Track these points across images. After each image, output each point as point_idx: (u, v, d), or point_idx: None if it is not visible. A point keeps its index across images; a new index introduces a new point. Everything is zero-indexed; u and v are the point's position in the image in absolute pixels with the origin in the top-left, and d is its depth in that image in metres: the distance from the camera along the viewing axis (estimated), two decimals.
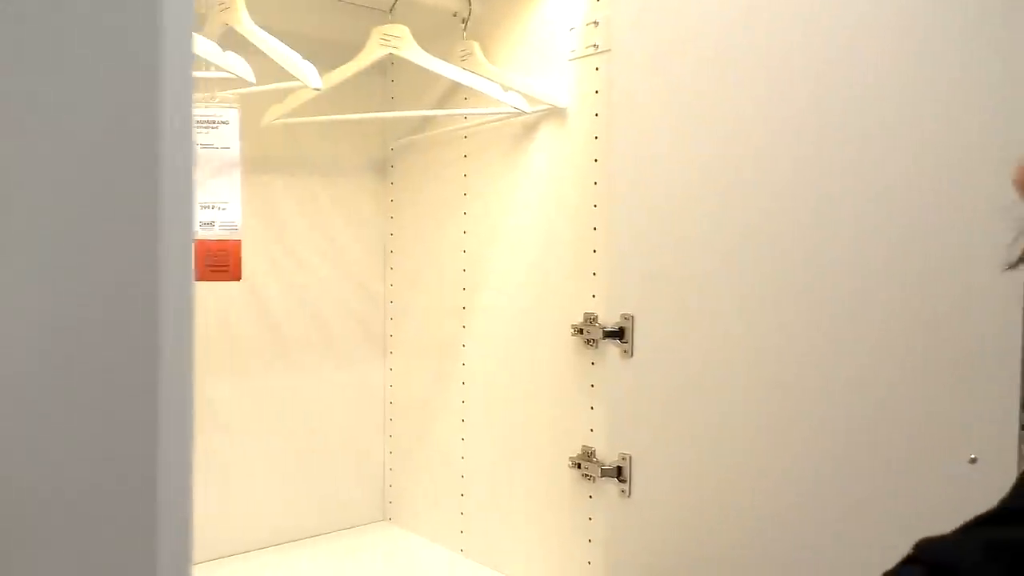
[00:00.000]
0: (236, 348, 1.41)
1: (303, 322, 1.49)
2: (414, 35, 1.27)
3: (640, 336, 1.11)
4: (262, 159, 1.43)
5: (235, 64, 1.01)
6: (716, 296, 1.02)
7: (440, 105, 1.46)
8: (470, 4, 1.36)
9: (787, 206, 0.96)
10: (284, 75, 1.12)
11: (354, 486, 1.57)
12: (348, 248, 1.55)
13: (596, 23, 1.20)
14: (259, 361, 1.43)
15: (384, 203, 1.59)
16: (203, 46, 1.02)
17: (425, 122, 1.51)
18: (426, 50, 1.28)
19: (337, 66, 1.27)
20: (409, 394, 1.56)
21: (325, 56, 1.35)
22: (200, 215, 1.03)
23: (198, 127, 1.03)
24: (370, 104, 1.55)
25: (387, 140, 1.58)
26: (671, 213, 1.09)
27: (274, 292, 1.45)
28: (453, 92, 1.43)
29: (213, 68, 1.01)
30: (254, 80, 1.03)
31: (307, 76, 1.05)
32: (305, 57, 1.12)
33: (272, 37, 1.09)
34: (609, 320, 1.15)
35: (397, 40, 1.28)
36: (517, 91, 1.28)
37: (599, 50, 1.19)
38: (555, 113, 1.26)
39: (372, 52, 1.28)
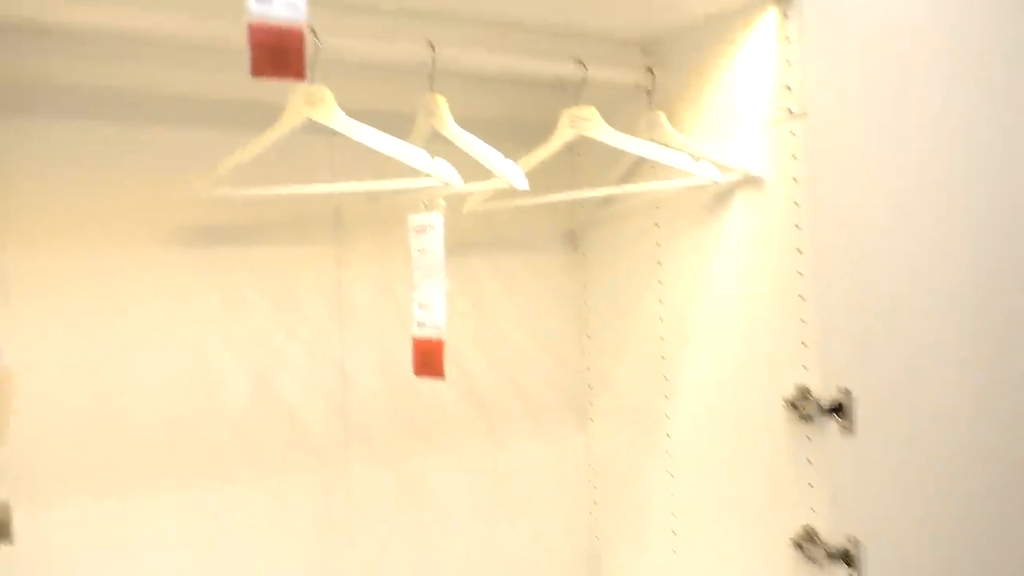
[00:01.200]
0: (446, 423, 1.47)
1: (505, 394, 1.54)
2: (597, 106, 1.30)
3: (861, 411, 1.05)
4: (460, 240, 1.50)
5: (444, 171, 1.07)
6: (941, 367, 0.96)
7: (629, 175, 1.47)
8: (653, 75, 1.37)
9: (1009, 267, 0.88)
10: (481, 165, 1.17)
11: (560, 555, 1.59)
12: (545, 319, 1.59)
13: (788, 87, 1.17)
14: (465, 435, 1.49)
15: (577, 273, 1.62)
16: (413, 154, 1.09)
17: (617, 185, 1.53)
18: (610, 122, 1.30)
19: (523, 143, 1.32)
20: (613, 465, 1.56)
21: (511, 135, 1.42)
22: (416, 314, 1.09)
23: (414, 233, 1.10)
24: (558, 178, 1.59)
25: (577, 212, 1.61)
26: (885, 279, 1.03)
27: (477, 367, 1.51)
28: (642, 161, 1.44)
29: (422, 176, 1.08)
30: (463, 184, 1.09)
31: (512, 178, 1.10)
32: (492, 139, 1.17)
33: (475, 138, 1.15)
34: (825, 393, 1.10)
35: (586, 122, 1.31)
36: (709, 160, 1.27)
37: (794, 115, 1.16)
38: (750, 180, 1.23)
39: (563, 135, 1.32)
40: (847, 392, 1.07)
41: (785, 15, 1.16)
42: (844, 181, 1.09)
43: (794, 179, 1.17)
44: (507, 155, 1.19)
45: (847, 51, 1.09)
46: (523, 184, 1.11)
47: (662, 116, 1.34)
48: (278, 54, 0.83)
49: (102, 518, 1.17)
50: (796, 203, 1.16)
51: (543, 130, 1.36)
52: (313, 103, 1.09)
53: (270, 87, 1.00)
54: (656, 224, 1.43)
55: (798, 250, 1.16)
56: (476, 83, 1.42)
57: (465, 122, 1.21)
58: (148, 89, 1.22)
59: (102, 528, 1.17)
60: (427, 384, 1.45)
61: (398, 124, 1.23)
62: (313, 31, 1.05)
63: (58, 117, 1.16)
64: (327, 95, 1.11)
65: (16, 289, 1.13)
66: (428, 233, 1.11)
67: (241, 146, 1.11)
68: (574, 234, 1.62)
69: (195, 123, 1.25)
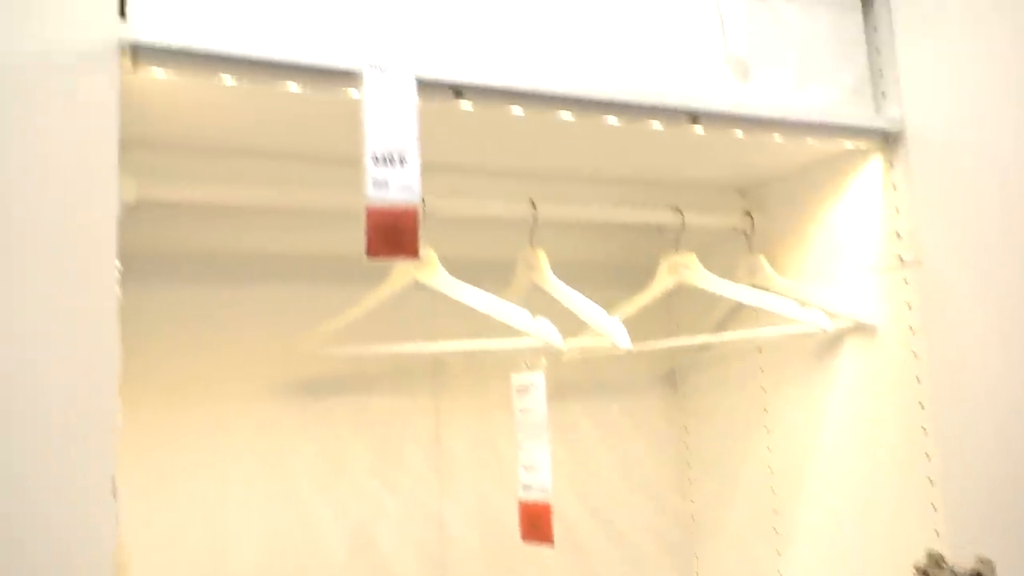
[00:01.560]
0: (544, 573, 1.42)
1: (604, 542, 1.48)
2: (695, 247, 1.29)
3: None
4: (557, 385, 1.48)
5: (546, 331, 1.07)
6: None
7: (729, 318, 1.44)
8: (752, 218, 1.36)
9: None
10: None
11: None
12: (644, 464, 1.54)
13: (898, 235, 1.14)
14: None
15: (677, 416, 1.57)
16: (514, 314, 1.09)
17: (715, 331, 1.49)
18: (708, 263, 1.29)
19: (621, 285, 1.32)
20: None
21: (609, 278, 1.42)
22: (521, 476, 1.07)
23: (516, 393, 1.09)
24: (655, 320, 1.57)
25: (676, 353, 1.58)
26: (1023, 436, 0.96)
27: (575, 514, 1.46)
28: (743, 305, 1.41)
29: (524, 335, 1.08)
30: (564, 347, 1.08)
31: (616, 337, 1.08)
32: (589, 281, 1.17)
33: (576, 293, 1.15)
34: (961, 562, 1.02)
35: (686, 269, 1.30)
36: (816, 307, 1.23)
37: (906, 263, 1.13)
38: (861, 328, 1.19)
39: (663, 282, 1.32)
40: (989, 563, 0.99)
41: (891, 163, 1.14)
42: (967, 331, 1.03)
43: (910, 329, 1.12)
44: (606, 298, 1.18)
45: (960, 197, 1.06)
46: (626, 344, 1.10)
47: (763, 260, 1.32)
48: (393, 235, 0.86)
49: None
50: (915, 354, 1.11)
51: (641, 271, 1.36)
52: (419, 265, 1.12)
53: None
54: (761, 369, 1.39)
55: (920, 404, 1.10)
56: (574, 229, 1.44)
57: (563, 265, 1.22)
58: (255, 250, 1.27)
59: None
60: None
61: (498, 272, 1.25)
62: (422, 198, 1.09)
63: (172, 281, 1.21)
64: (432, 257, 1.13)
65: (125, 449, 1.15)
66: (530, 392, 1.10)
67: (348, 300, 1.14)
68: (673, 375, 1.59)
69: (302, 280, 1.29)
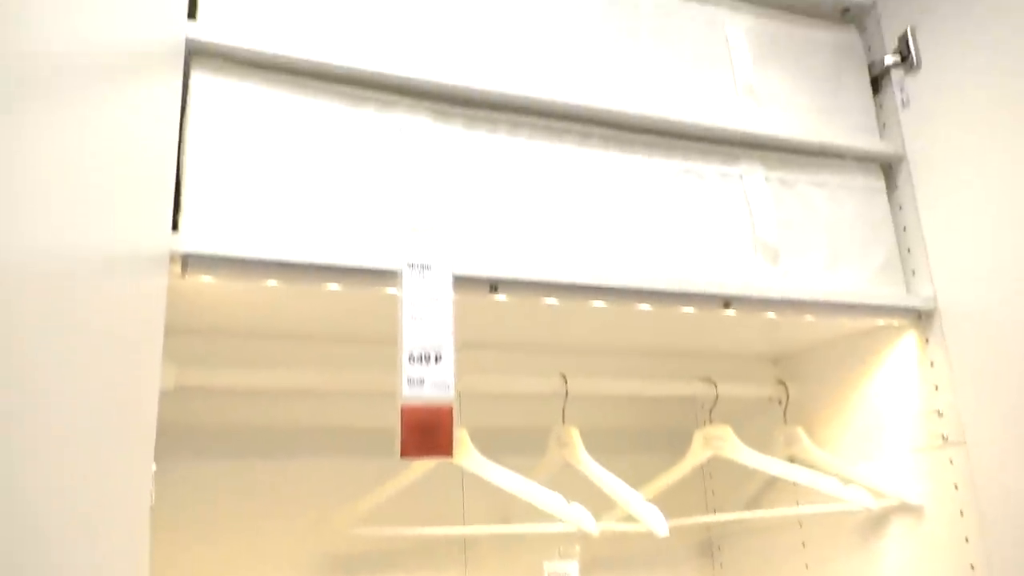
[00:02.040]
0: None
1: None
2: (728, 415, 1.27)
3: None
4: (589, 559, 1.43)
5: (580, 516, 1.04)
6: None
7: (768, 488, 1.40)
8: (787, 389, 1.35)
9: None
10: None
11: None
12: None
13: (939, 412, 1.12)
14: None
15: None
16: (548, 499, 1.06)
17: (752, 502, 1.45)
18: (743, 431, 1.26)
19: (652, 451, 1.29)
20: None
21: (643, 444, 1.40)
22: None
23: None
24: (689, 490, 1.53)
25: (712, 525, 1.53)
26: None
27: None
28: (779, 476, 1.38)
29: (558, 521, 1.05)
30: (597, 532, 1.05)
31: (653, 523, 1.05)
32: (623, 448, 1.15)
33: (612, 476, 1.13)
34: None
35: (720, 441, 1.27)
36: (858, 483, 1.19)
37: (948, 442, 1.10)
38: (907, 509, 1.15)
39: (697, 455, 1.29)
40: None
41: (926, 339, 1.14)
42: (1022, 515, 1.00)
43: (960, 513, 1.08)
44: (639, 464, 1.16)
45: (1000, 373, 1.05)
46: (664, 531, 1.06)
47: (801, 432, 1.29)
48: (427, 434, 0.85)
49: None
50: (966, 539, 1.07)
51: (675, 436, 1.34)
52: None
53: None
54: (803, 543, 1.34)
55: None
56: (607, 397, 1.43)
57: (595, 432, 1.20)
58: (287, 425, 1.27)
59: None
60: None
61: (531, 441, 1.24)
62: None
63: (203, 457, 1.21)
64: (464, 438, 1.12)
65: None
66: None
67: (381, 471, 1.13)
68: (710, 545, 1.53)
69: (334, 453, 1.28)
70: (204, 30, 0.88)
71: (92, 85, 0.52)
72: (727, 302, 1.02)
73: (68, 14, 0.46)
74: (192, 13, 0.89)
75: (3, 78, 0.33)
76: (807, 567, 1.32)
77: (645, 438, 1.47)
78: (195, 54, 0.88)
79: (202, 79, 0.88)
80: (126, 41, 0.64)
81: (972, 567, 1.06)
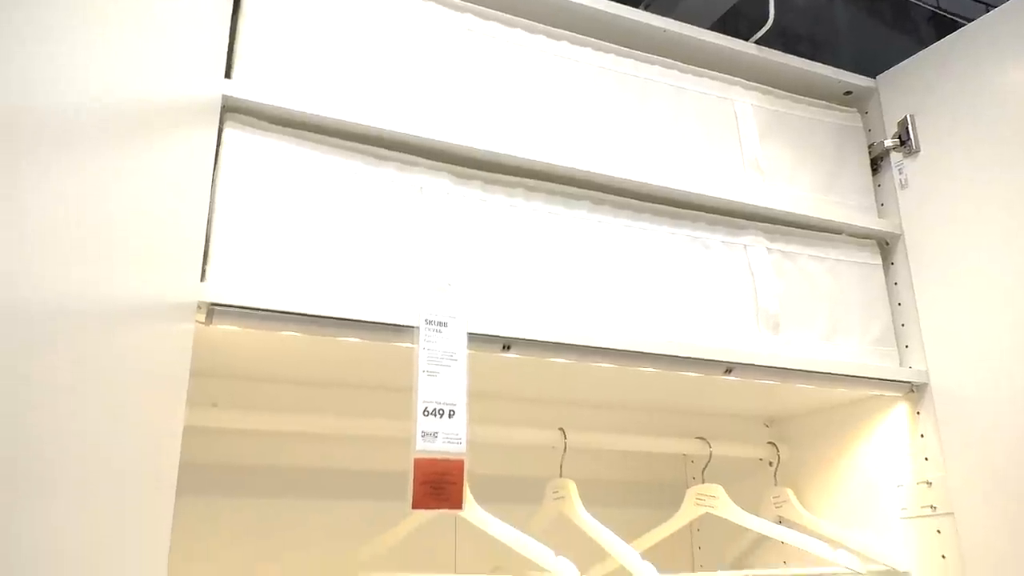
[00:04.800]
0: None
1: None
2: (719, 474, 1.30)
3: None
4: None
5: (566, 571, 1.05)
6: None
7: (755, 547, 1.43)
8: (778, 451, 1.38)
9: None
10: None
11: None
12: None
13: (928, 483, 1.15)
14: None
15: None
16: (536, 550, 1.08)
17: (738, 561, 1.47)
18: (732, 488, 1.28)
19: (644, 504, 1.31)
20: None
21: (636, 497, 1.42)
22: None
23: None
24: (678, 543, 1.55)
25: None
26: None
27: None
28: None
29: (546, 573, 1.07)
30: None
31: None
32: (615, 499, 1.16)
33: (608, 531, 1.15)
34: None
35: (713, 500, 1.30)
36: (847, 548, 1.22)
37: (936, 511, 1.13)
38: (894, 575, 1.18)
39: (688, 513, 1.31)
40: None
41: (917, 412, 1.18)
42: None
43: None
44: (631, 517, 1.18)
45: (989, 448, 1.08)
46: None
47: (790, 493, 1.32)
48: (439, 488, 0.87)
49: None
50: None
51: (667, 490, 1.36)
52: None
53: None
54: None
55: None
56: (604, 452, 1.45)
57: (589, 483, 1.22)
58: (296, 466, 1.28)
59: None
60: None
61: (529, 488, 1.26)
62: None
63: (222, 495, 1.22)
64: (466, 493, 1.14)
65: None
66: None
67: (387, 512, 1.15)
68: None
69: (343, 495, 1.30)
70: (238, 88, 0.91)
71: (134, 135, 0.55)
72: (729, 368, 1.06)
73: (115, 68, 0.49)
74: (228, 72, 0.92)
75: (47, 127, 0.36)
76: None
77: (638, 492, 1.49)
78: (228, 110, 0.91)
79: (234, 135, 0.91)
80: (168, 96, 0.67)
81: None
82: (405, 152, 0.99)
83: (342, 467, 1.30)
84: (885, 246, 1.24)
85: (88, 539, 0.47)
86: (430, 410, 0.89)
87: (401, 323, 0.92)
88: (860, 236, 1.21)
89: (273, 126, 0.93)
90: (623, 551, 1.14)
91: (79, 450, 0.44)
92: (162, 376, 0.72)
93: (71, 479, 0.42)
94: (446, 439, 0.89)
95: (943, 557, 1.12)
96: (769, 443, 1.39)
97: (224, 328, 0.87)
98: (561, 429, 1.24)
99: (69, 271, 0.40)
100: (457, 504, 0.88)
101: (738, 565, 1.47)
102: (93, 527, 0.48)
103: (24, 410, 0.34)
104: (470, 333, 0.93)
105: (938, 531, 1.13)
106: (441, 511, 1.10)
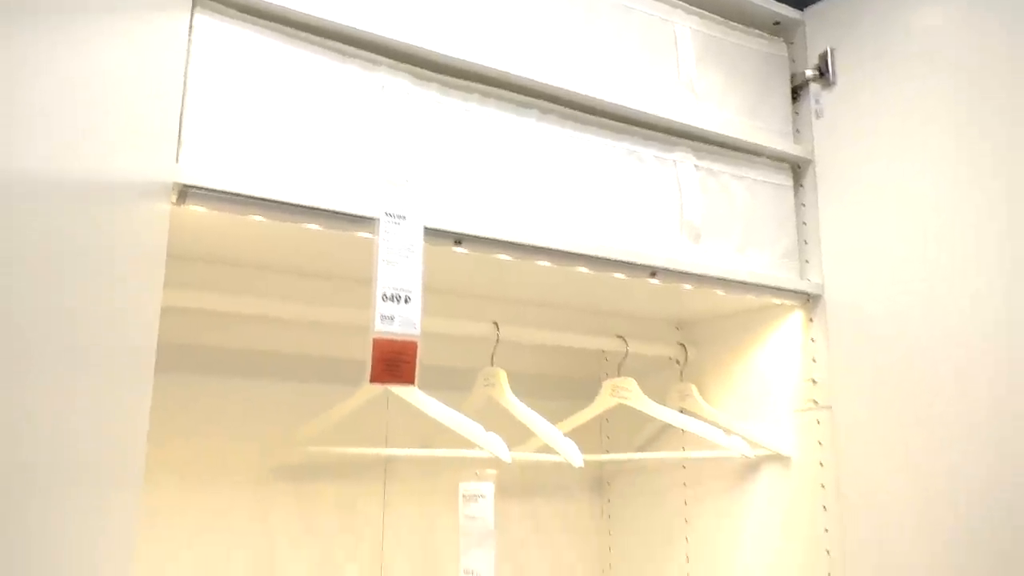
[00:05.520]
0: None
1: None
2: (632, 371, 1.44)
3: None
4: (497, 487, 1.58)
5: (496, 446, 1.17)
6: None
7: (659, 434, 1.59)
8: (686, 351, 1.53)
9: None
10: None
11: None
12: (570, 563, 1.65)
13: (814, 381, 1.32)
14: None
15: (603, 520, 1.70)
16: (468, 426, 1.19)
17: (642, 447, 1.64)
18: (642, 384, 1.43)
19: (565, 397, 1.45)
20: None
21: (556, 389, 1.56)
22: None
23: (464, 501, 1.19)
24: (589, 431, 1.70)
25: (605, 463, 1.71)
26: (909, 559, 1.13)
27: None
28: (671, 424, 1.56)
29: (476, 447, 1.19)
30: (510, 460, 1.18)
31: (570, 455, 1.20)
32: (538, 391, 1.28)
33: (534, 413, 1.28)
34: None
35: (627, 392, 1.44)
36: (740, 436, 1.39)
37: (819, 405, 1.30)
38: (779, 459, 1.35)
39: (604, 402, 1.45)
40: None
41: (810, 319, 1.33)
42: (869, 470, 1.21)
43: (820, 463, 1.29)
44: (553, 408, 1.32)
45: (867, 352, 1.25)
46: (579, 462, 1.22)
47: (694, 388, 1.48)
48: (394, 365, 0.96)
49: None
50: (822, 485, 1.28)
51: (586, 384, 1.50)
52: None
53: (358, 348, 1.14)
54: (684, 483, 1.53)
55: (825, 529, 1.27)
56: (530, 346, 1.57)
57: (517, 376, 1.34)
58: (256, 349, 1.34)
59: None
60: None
61: (462, 377, 1.37)
62: None
63: (182, 372, 1.27)
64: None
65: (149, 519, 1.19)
66: (478, 502, 1.20)
67: (333, 394, 1.24)
68: (601, 482, 1.72)
69: (295, 377, 1.37)
70: None
71: (112, 11, 0.58)
72: (654, 272, 1.17)
73: None
74: None
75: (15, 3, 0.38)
76: (685, 503, 1.52)
77: (559, 385, 1.63)
78: None
79: (204, 20, 0.93)
80: None
81: (824, 508, 1.27)
82: (368, 51, 1.03)
83: (295, 352, 1.37)
84: (797, 169, 1.37)
85: (75, 408, 0.53)
86: (388, 296, 0.97)
87: (362, 214, 0.98)
88: (776, 159, 1.33)
89: (243, 15, 0.96)
90: (547, 430, 1.27)
91: (65, 323, 0.49)
92: (143, 254, 0.77)
93: (53, 353, 0.47)
94: (402, 323, 0.98)
95: (819, 443, 1.30)
96: (679, 344, 1.54)
97: (194, 209, 0.92)
98: (495, 323, 1.35)
99: (51, 144, 0.44)
100: (410, 380, 0.98)
101: (642, 450, 1.63)
102: (79, 399, 0.55)
103: (9, 283, 0.37)
104: (425, 227, 1.01)
105: (818, 422, 1.30)
106: (391, 387, 1.20)
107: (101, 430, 0.61)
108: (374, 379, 0.96)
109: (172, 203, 0.90)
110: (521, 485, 1.62)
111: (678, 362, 1.54)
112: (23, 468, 0.40)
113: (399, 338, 0.97)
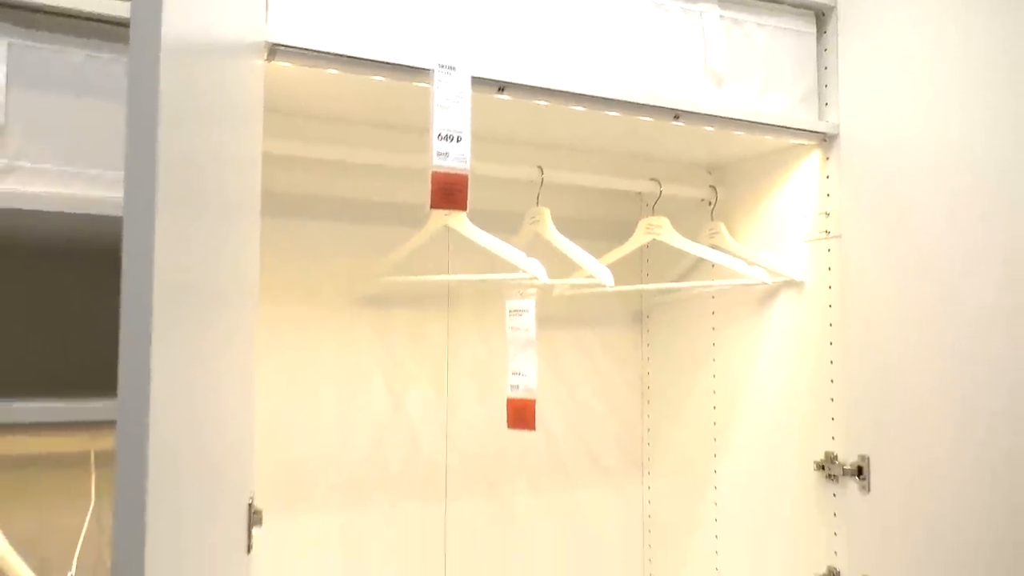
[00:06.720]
0: (527, 467, 1.76)
1: (577, 447, 1.83)
2: (667, 212, 1.61)
3: (876, 474, 1.33)
4: (546, 317, 1.81)
5: (535, 269, 1.36)
6: (946, 438, 1.22)
7: (691, 270, 1.77)
8: (716, 192, 1.68)
9: (1005, 353, 1.16)
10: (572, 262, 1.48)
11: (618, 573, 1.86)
12: (613, 385, 1.88)
13: (827, 213, 1.46)
14: (543, 478, 1.78)
15: (641, 348, 1.91)
16: (514, 254, 1.39)
17: (677, 280, 1.82)
18: (677, 225, 1.60)
19: (606, 237, 1.64)
20: (666, 510, 1.83)
21: (597, 231, 1.75)
22: (510, 379, 1.39)
23: (511, 315, 1.40)
24: (630, 268, 1.90)
25: (644, 296, 1.91)
26: (900, 368, 1.31)
27: (555, 422, 1.80)
28: (702, 259, 1.74)
29: (520, 271, 1.39)
30: (548, 280, 1.37)
31: (602, 276, 1.40)
32: (581, 234, 1.47)
33: (572, 243, 1.46)
34: (847, 458, 1.38)
35: (659, 229, 1.61)
36: (761, 266, 1.56)
37: (830, 235, 1.46)
38: (793, 284, 1.52)
39: (639, 239, 1.63)
40: (866, 458, 1.35)
41: (827, 157, 1.46)
42: (870, 290, 1.37)
43: (829, 286, 1.45)
44: (594, 248, 1.51)
45: (875, 187, 1.38)
46: (611, 282, 1.42)
47: (722, 226, 1.64)
48: (449, 194, 1.15)
49: (273, 528, 1.49)
50: (830, 305, 1.45)
51: (624, 227, 1.67)
52: (449, 214, 1.42)
53: (423, 194, 1.34)
54: (712, 312, 1.72)
55: (830, 342, 1.45)
56: (572, 190, 1.74)
57: (561, 220, 1.54)
58: (341, 196, 1.56)
59: (273, 537, 1.49)
60: (515, 433, 1.75)
61: (508, 221, 1.57)
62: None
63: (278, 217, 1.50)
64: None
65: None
66: (522, 315, 1.41)
67: (400, 235, 1.47)
68: (641, 313, 1.92)
69: (370, 220, 1.59)
70: None
71: None
72: (677, 115, 1.32)
73: None
74: None
75: None
76: (714, 329, 1.72)
77: (601, 227, 1.82)
78: None
79: None
80: None
81: (831, 324, 1.45)
82: None
83: (365, 198, 1.59)
84: (821, 16, 1.46)
85: (225, 238, 0.73)
86: (443, 135, 1.15)
87: (419, 66, 1.15)
88: (799, 6, 1.43)
89: None
90: (586, 259, 1.46)
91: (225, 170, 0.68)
92: (251, 105, 0.96)
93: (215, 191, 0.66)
94: (455, 158, 1.16)
95: (829, 269, 1.46)
96: (710, 186, 1.69)
97: (281, 65, 1.10)
98: (539, 167, 1.52)
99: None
100: (463, 206, 1.17)
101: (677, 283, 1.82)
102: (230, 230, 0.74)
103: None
104: (472, 76, 1.17)
105: (828, 250, 1.46)
106: (450, 212, 1.41)
107: (239, 258, 0.82)
108: (433, 205, 1.15)
109: (263, 60, 1.08)
110: (571, 316, 1.84)
111: (709, 203, 1.70)
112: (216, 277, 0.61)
113: (453, 171, 1.16)
